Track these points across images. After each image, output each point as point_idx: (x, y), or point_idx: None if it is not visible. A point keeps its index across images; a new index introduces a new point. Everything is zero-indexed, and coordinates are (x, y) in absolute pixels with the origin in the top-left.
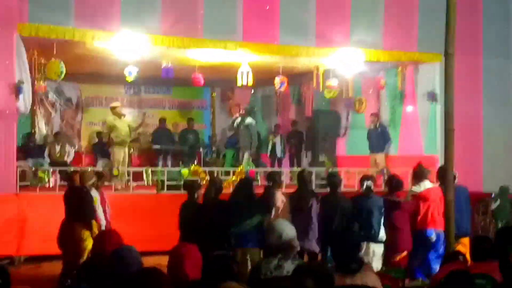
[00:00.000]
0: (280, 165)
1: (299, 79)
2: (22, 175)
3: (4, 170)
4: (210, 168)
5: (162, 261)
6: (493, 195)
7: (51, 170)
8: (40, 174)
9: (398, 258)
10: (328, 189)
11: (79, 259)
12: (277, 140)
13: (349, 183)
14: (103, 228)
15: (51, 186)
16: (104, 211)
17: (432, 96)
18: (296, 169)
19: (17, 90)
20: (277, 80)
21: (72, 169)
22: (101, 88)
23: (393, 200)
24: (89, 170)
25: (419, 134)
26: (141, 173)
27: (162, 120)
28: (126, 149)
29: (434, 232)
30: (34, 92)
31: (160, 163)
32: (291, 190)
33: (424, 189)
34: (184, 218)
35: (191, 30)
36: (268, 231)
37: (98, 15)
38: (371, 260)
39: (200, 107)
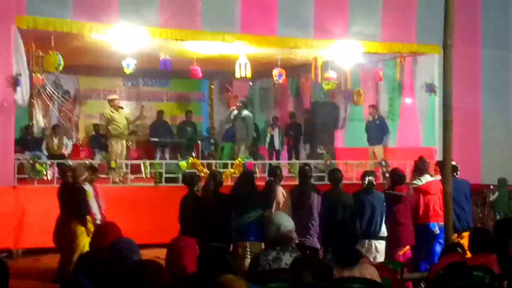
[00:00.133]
0: (278, 157)
1: (297, 71)
2: (20, 168)
3: (2, 163)
4: (208, 160)
5: (160, 254)
6: (491, 187)
7: (49, 163)
8: (38, 167)
9: (401, 252)
10: (327, 183)
11: (74, 255)
12: (275, 132)
13: (348, 175)
14: (98, 222)
15: (49, 178)
16: (99, 206)
17: (430, 88)
18: (294, 161)
19: (14, 82)
20: (275, 72)
21: (65, 164)
22: (99, 80)
23: (395, 194)
24: (81, 165)
25: (417, 126)
26: (139, 165)
27: (160, 113)
28: (124, 142)
29: (437, 226)
30: (32, 85)
31: (158, 155)
32: (289, 183)
33: (425, 182)
34: (185, 211)
35: (189, 23)
36: (267, 224)
37: (96, 8)
38: (375, 257)
39: (198, 100)
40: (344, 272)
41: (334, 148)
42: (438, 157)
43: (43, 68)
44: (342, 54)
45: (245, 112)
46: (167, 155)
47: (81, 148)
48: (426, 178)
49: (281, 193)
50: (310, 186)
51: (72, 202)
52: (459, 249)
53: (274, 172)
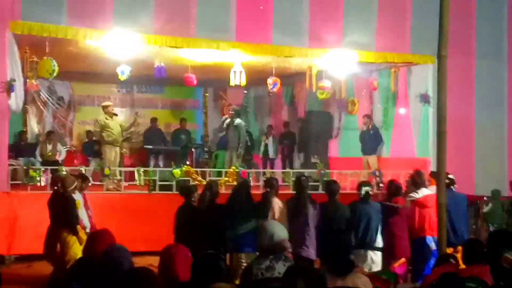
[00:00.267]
0: (272, 166)
1: (292, 79)
2: (13, 174)
3: None
4: (202, 169)
5: (153, 261)
6: (485, 199)
7: (43, 169)
8: (31, 173)
9: (396, 265)
10: (321, 192)
11: (67, 265)
12: (270, 141)
13: (341, 185)
14: (87, 230)
15: (42, 185)
16: (88, 215)
17: (425, 98)
18: (288, 170)
19: (9, 88)
20: (270, 80)
21: (56, 174)
22: (94, 87)
23: (391, 205)
24: (71, 174)
25: (411, 136)
26: (133, 173)
27: (154, 120)
28: (118, 149)
29: (433, 240)
30: (26, 91)
31: (152, 163)
32: (283, 192)
33: (422, 195)
34: (180, 221)
35: (184, 30)
36: (260, 233)
37: (90, 14)
38: (371, 268)
39: (192, 107)
40: (337, 281)
41: (328, 158)
42: (432, 167)
43: (37, 73)
44: (336, 63)
45: (238, 120)
46: (161, 163)
47: (74, 155)
48: (423, 192)
49: (276, 204)
50: (307, 197)
51: (62, 212)
52: (452, 260)
53: (271, 184)
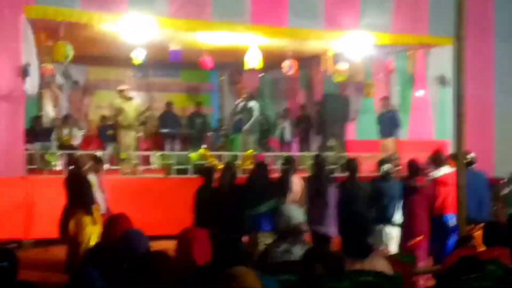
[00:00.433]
0: (289, 149)
1: (308, 62)
2: (30, 158)
3: (12, 153)
4: (219, 152)
5: (170, 245)
6: (504, 181)
7: (59, 153)
8: (47, 157)
9: (414, 242)
10: (339, 175)
11: (80, 246)
12: (286, 124)
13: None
14: (102, 211)
15: (58, 169)
16: (102, 197)
17: (443, 80)
18: (305, 153)
19: (24, 72)
20: (286, 63)
21: (80, 152)
22: (109, 71)
23: (412, 185)
24: (85, 155)
25: (429, 119)
26: (149, 157)
27: (169, 104)
28: (133, 133)
29: (453, 217)
30: (41, 75)
31: (168, 146)
32: (301, 175)
33: (443, 173)
34: (200, 202)
35: (200, 13)
36: (277, 216)
37: None
38: (388, 243)
39: (208, 91)
40: (355, 265)
41: (345, 141)
42: (451, 150)
43: (52, 58)
44: (353, 45)
45: (252, 103)
46: (176, 146)
47: (90, 139)
48: (443, 170)
49: (296, 182)
50: (325, 176)
51: (77, 192)
52: (472, 243)
53: (289, 162)
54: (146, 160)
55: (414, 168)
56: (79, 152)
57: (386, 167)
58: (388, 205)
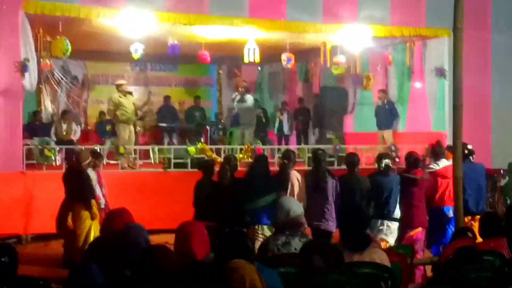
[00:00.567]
0: (287, 142)
1: (306, 55)
2: (29, 154)
3: (11, 149)
4: (217, 146)
5: (169, 239)
6: (501, 172)
7: (58, 148)
8: (46, 152)
9: (412, 233)
10: (337, 167)
11: (79, 240)
12: (284, 117)
13: None
14: (102, 207)
15: (57, 164)
16: (101, 192)
17: (440, 72)
18: (303, 146)
19: (22, 68)
20: (284, 56)
21: (79, 147)
22: (107, 65)
23: (410, 177)
24: (86, 149)
25: (427, 111)
26: (148, 151)
27: (167, 98)
28: (132, 127)
29: (451, 209)
30: (39, 70)
31: (166, 141)
32: (298, 168)
33: (443, 166)
34: (200, 196)
35: (197, 7)
36: (276, 209)
37: None
38: (387, 238)
39: (206, 85)
40: (353, 257)
41: (343, 133)
42: (448, 141)
43: (50, 53)
44: (351, 38)
45: (248, 97)
46: (175, 141)
47: (89, 134)
48: (443, 162)
49: (295, 177)
50: (324, 170)
51: (77, 186)
52: (469, 234)
53: (288, 156)
54: (144, 154)
55: (412, 160)
56: (78, 147)
57: (385, 161)
58: (388, 200)
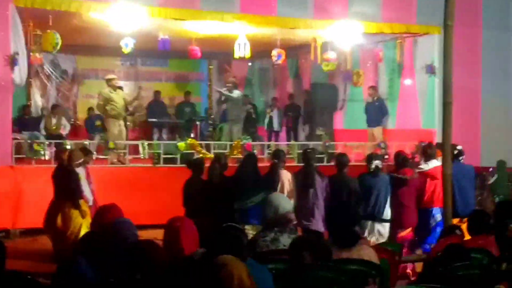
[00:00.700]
0: (277, 138)
1: (296, 51)
2: (18, 148)
3: (0, 143)
4: (207, 141)
5: (158, 235)
6: (490, 170)
7: (47, 143)
8: (35, 146)
9: (403, 233)
10: (327, 164)
11: (69, 238)
12: (274, 113)
13: None
14: (90, 204)
15: (46, 159)
16: (90, 189)
17: (430, 69)
18: (293, 143)
19: (12, 61)
20: (275, 52)
21: (62, 146)
22: (97, 60)
23: (400, 177)
24: (78, 148)
25: (417, 108)
26: (137, 146)
27: (157, 93)
28: (122, 122)
29: (440, 211)
30: (29, 64)
31: (156, 136)
32: (288, 164)
33: (432, 167)
34: (189, 195)
35: (189, 2)
36: (265, 205)
37: None
38: (378, 239)
39: (197, 80)
40: (342, 253)
41: (333, 130)
42: (438, 139)
43: (41, 47)
44: (342, 34)
45: (236, 92)
46: (164, 136)
47: (78, 129)
48: (433, 163)
49: (285, 176)
50: (314, 170)
51: (65, 185)
52: (457, 231)
53: (278, 155)
54: (134, 150)
55: (400, 159)
56: (68, 144)
57: (375, 162)
58: (377, 201)
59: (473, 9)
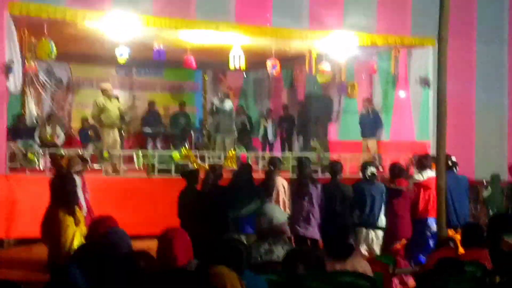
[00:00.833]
0: (271, 149)
1: (291, 62)
2: (12, 157)
3: None
4: (201, 151)
5: (152, 245)
6: (484, 183)
7: (41, 151)
8: (29, 155)
9: (398, 245)
10: (321, 176)
11: (62, 246)
12: (269, 124)
13: None
14: (83, 213)
15: (41, 168)
16: (85, 198)
17: (424, 81)
18: (287, 154)
19: (7, 70)
20: (269, 63)
21: (58, 153)
22: (92, 69)
23: (395, 188)
24: (76, 156)
25: (411, 120)
26: (132, 156)
27: (151, 103)
28: (116, 132)
29: (435, 221)
30: (24, 72)
31: (150, 146)
32: (282, 175)
33: (427, 177)
34: (184, 205)
35: (184, 11)
36: (259, 216)
37: None
38: (372, 246)
39: (192, 90)
40: (336, 265)
41: (327, 141)
42: (432, 151)
43: (35, 55)
44: (336, 45)
45: (227, 103)
46: (159, 146)
47: (73, 138)
48: (427, 173)
49: (280, 183)
50: (308, 177)
51: (62, 192)
52: (451, 244)
53: (274, 162)
54: (128, 159)
55: (397, 170)
56: (65, 151)
57: (371, 169)
58: (372, 207)
59: (468, 22)
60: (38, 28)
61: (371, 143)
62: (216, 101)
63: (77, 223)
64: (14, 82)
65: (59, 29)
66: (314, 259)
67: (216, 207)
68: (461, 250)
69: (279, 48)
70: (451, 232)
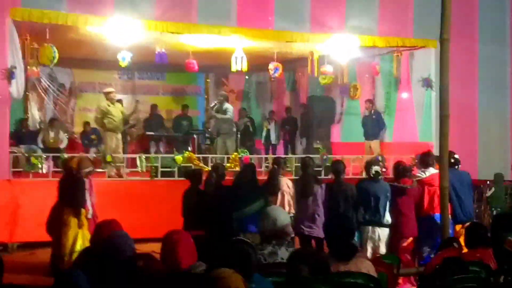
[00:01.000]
0: (274, 151)
1: (293, 65)
2: (15, 161)
3: None
4: (204, 155)
5: (156, 248)
6: (488, 183)
7: (44, 156)
8: (33, 160)
9: (405, 244)
10: (324, 177)
11: (64, 247)
12: (272, 126)
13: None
14: (89, 216)
15: (44, 172)
16: (91, 201)
17: (427, 82)
18: (290, 156)
19: (9, 75)
20: (272, 66)
21: (66, 155)
22: (95, 73)
23: (399, 186)
24: (86, 157)
25: (414, 121)
26: (135, 159)
27: (154, 107)
28: (119, 136)
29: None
30: (26, 78)
31: (153, 149)
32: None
33: (429, 174)
34: (188, 205)
35: (185, 15)
36: (262, 218)
37: (91, 0)
38: (377, 244)
39: (194, 93)
40: (340, 266)
41: (330, 143)
42: (435, 152)
43: (38, 60)
44: (338, 48)
45: (226, 106)
46: (162, 149)
47: (76, 142)
48: (430, 171)
49: (285, 182)
50: (311, 177)
51: (71, 192)
52: (455, 244)
53: (278, 161)
54: (131, 163)
55: (401, 169)
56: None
57: (375, 168)
58: (377, 206)
59: (470, 23)
60: (40, 33)
61: (374, 144)
62: (215, 104)
63: (80, 226)
64: (17, 87)
65: (61, 34)
66: (317, 260)
67: (220, 206)
68: (464, 250)
69: (281, 50)
70: (458, 227)
